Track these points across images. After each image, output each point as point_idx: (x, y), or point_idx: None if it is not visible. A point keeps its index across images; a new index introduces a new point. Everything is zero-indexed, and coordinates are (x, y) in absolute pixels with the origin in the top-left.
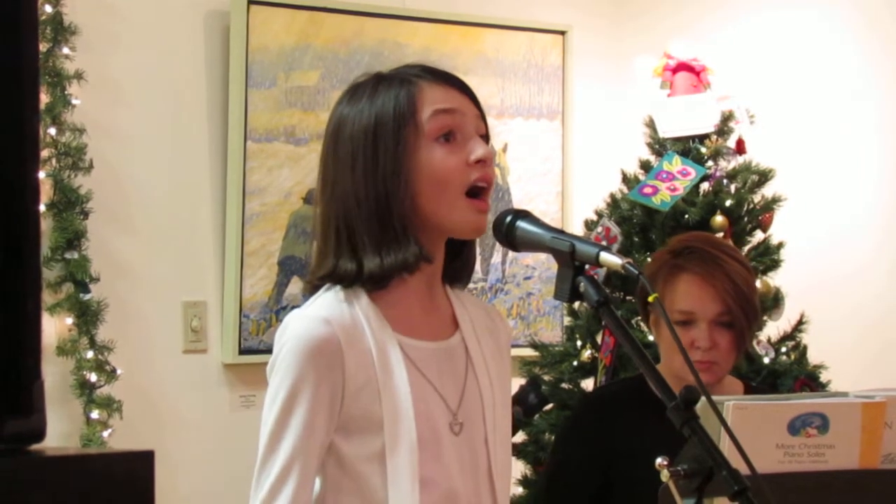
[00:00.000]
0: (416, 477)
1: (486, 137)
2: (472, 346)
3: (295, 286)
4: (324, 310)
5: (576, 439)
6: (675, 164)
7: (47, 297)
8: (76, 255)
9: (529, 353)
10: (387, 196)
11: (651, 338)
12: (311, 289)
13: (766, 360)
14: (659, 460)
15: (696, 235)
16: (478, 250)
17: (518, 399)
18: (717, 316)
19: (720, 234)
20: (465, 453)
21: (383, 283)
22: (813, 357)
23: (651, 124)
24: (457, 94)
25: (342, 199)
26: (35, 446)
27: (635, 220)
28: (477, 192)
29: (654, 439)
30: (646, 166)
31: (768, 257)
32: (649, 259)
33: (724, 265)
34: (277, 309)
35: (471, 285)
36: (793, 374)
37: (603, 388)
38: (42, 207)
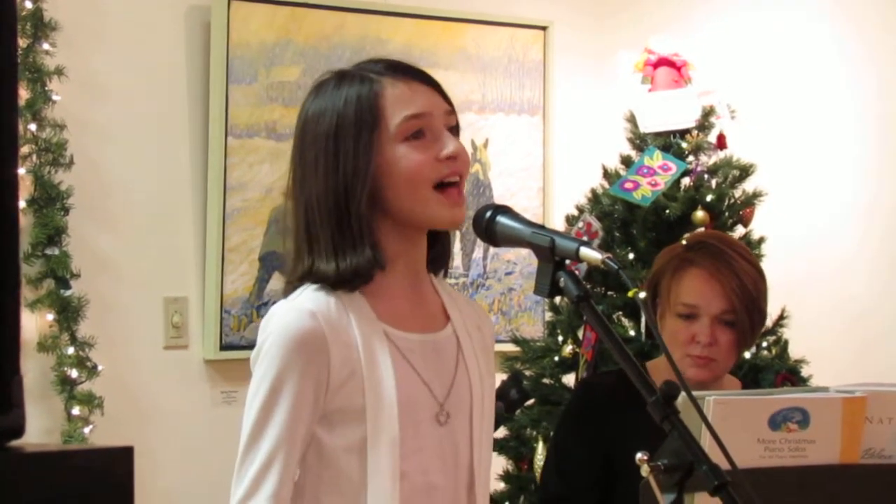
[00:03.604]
0: (396, 469)
1: (455, 129)
2: (463, 339)
3: (276, 282)
4: (310, 302)
5: (575, 427)
6: (656, 159)
7: (28, 294)
8: (57, 252)
9: (511, 348)
10: (346, 198)
11: (632, 333)
12: (291, 289)
13: (747, 355)
14: (639, 455)
15: (713, 233)
16: (458, 245)
17: (499, 394)
18: (720, 313)
19: (700, 230)
20: (446, 446)
21: (345, 287)
22: (794, 352)
23: (632, 119)
24: (422, 89)
25: (307, 201)
26: (15, 442)
27: (616, 216)
28: (447, 186)
29: (649, 428)
30: (627, 161)
31: None
32: (632, 254)
33: (733, 263)
34: (259, 305)
35: (452, 281)
36: (774, 368)
37: (597, 376)
38: (22, 203)
